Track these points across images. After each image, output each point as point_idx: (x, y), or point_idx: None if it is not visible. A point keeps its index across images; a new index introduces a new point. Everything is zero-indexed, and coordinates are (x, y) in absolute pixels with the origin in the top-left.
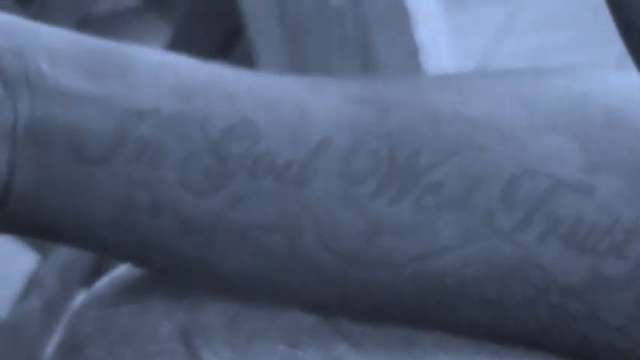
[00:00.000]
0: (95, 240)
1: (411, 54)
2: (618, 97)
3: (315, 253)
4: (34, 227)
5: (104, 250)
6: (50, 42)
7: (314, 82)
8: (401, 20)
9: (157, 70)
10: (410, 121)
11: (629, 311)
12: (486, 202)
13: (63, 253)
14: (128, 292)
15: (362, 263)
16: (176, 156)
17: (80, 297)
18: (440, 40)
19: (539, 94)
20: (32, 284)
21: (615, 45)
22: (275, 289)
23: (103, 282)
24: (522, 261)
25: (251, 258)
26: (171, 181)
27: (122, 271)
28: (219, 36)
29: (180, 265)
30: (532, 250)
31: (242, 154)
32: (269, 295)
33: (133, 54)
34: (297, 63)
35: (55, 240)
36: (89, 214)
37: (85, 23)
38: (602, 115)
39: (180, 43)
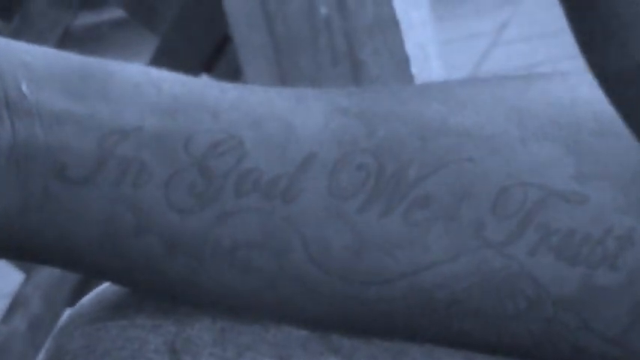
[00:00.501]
0: (80, 261)
1: (400, 64)
2: (607, 104)
3: (303, 269)
4: (18, 250)
5: (89, 271)
6: (29, 61)
7: (299, 95)
8: (390, 30)
9: (139, 87)
10: (397, 134)
11: (623, 321)
12: (476, 215)
13: (47, 272)
14: (114, 308)
15: (351, 279)
16: (160, 175)
17: (65, 315)
18: (430, 51)
19: (528, 102)
20: (16, 304)
21: None
22: (264, 306)
23: (89, 298)
24: (514, 274)
25: (239, 276)
26: (156, 200)
27: (108, 286)
28: (205, 48)
29: (167, 285)
30: (524, 263)
31: (227, 171)
32: (258, 312)
33: (115, 71)
34: (285, 75)
35: (40, 262)
36: (73, 236)
37: (68, 36)
38: (592, 122)
39: (166, 55)
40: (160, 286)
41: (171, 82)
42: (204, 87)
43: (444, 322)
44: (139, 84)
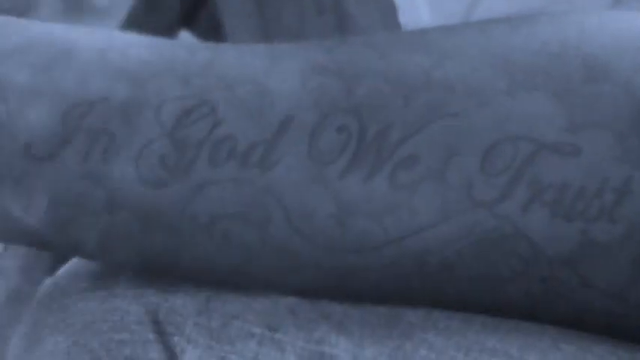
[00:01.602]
0: (51, 241)
1: (387, 14)
2: (598, 46)
3: (286, 240)
4: None
5: (62, 249)
6: None
7: (274, 53)
8: None
9: (105, 54)
10: (379, 91)
11: (625, 275)
12: (465, 174)
13: None
14: (93, 278)
15: (336, 248)
16: (130, 147)
17: (42, 287)
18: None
19: (514, 50)
20: None
21: None
22: (247, 279)
23: (66, 268)
24: (507, 234)
25: (219, 250)
26: (127, 174)
27: None
28: (184, 2)
29: (144, 261)
30: (517, 222)
31: (201, 140)
32: (241, 284)
33: (78, 38)
34: (268, 28)
35: (12, 243)
36: (42, 214)
37: None
38: (583, 68)
39: (143, 10)
40: (136, 263)
41: (138, 46)
42: (172, 49)
43: (436, 287)
44: (104, 50)
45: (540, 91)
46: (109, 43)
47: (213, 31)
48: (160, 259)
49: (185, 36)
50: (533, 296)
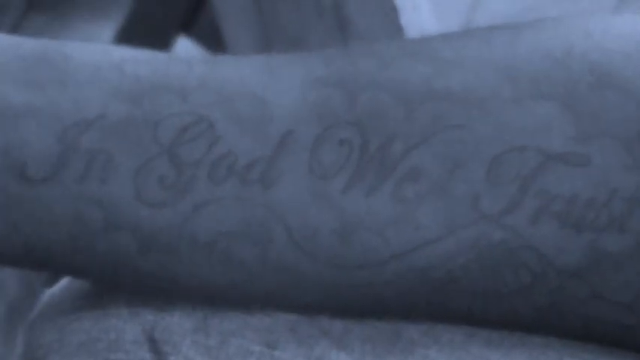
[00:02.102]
0: (47, 263)
1: (388, 16)
2: (604, 52)
3: (288, 258)
4: None
5: (60, 270)
6: None
7: (272, 64)
8: None
9: (100, 70)
10: (381, 102)
11: (635, 286)
12: (470, 186)
13: None
14: (87, 296)
15: (340, 264)
16: (128, 167)
17: (37, 304)
18: (419, 0)
19: (518, 57)
20: None
21: None
22: (247, 297)
23: (61, 286)
24: (514, 246)
25: (219, 269)
26: (125, 194)
27: None
28: (181, 7)
29: (142, 281)
30: (524, 234)
31: (199, 158)
32: (241, 303)
33: (73, 54)
34: (268, 32)
35: (8, 265)
36: (39, 237)
37: (34, 2)
38: (589, 74)
39: (139, 17)
40: (134, 283)
41: (134, 61)
42: (169, 64)
43: (441, 301)
44: (100, 67)
45: (546, 100)
46: (104, 58)
47: (211, 36)
48: (158, 279)
49: (183, 41)
50: (541, 308)
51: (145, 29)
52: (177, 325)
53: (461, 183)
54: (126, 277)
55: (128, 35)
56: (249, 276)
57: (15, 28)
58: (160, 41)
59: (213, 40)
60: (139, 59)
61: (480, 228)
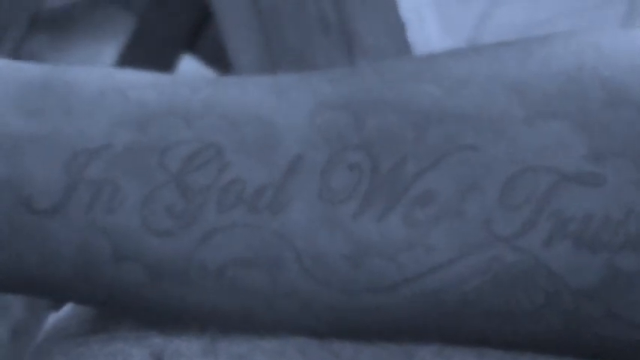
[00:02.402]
0: (55, 292)
1: (395, 31)
2: (616, 68)
3: (298, 284)
4: None
5: (66, 299)
6: None
7: (279, 86)
8: None
9: (105, 97)
10: (390, 125)
11: None
12: (483, 208)
13: None
14: (94, 319)
15: (351, 289)
16: (135, 196)
17: (44, 328)
18: (426, 15)
19: (530, 75)
20: None
21: (618, 6)
22: (257, 323)
23: (68, 309)
24: (528, 268)
25: (229, 296)
26: (133, 224)
27: None
28: (185, 25)
29: (151, 309)
30: (538, 255)
31: (208, 185)
32: (251, 328)
33: (76, 80)
34: (273, 49)
35: (13, 293)
36: (45, 267)
37: (37, 22)
38: (601, 91)
39: (143, 35)
40: (143, 310)
41: (138, 86)
42: (173, 87)
43: (453, 324)
44: (104, 92)
45: (559, 119)
46: (108, 84)
47: (216, 55)
48: (167, 306)
49: (188, 60)
50: (556, 329)
51: (149, 49)
52: (186, 348)
53: (474, 205)
54: (134, 305)
55: (132, 55)
56: (260, 302)
57: (17, 48)
58: (164, 60)
59: (218, 59)
60: (142, 83)
61: (493, 251)
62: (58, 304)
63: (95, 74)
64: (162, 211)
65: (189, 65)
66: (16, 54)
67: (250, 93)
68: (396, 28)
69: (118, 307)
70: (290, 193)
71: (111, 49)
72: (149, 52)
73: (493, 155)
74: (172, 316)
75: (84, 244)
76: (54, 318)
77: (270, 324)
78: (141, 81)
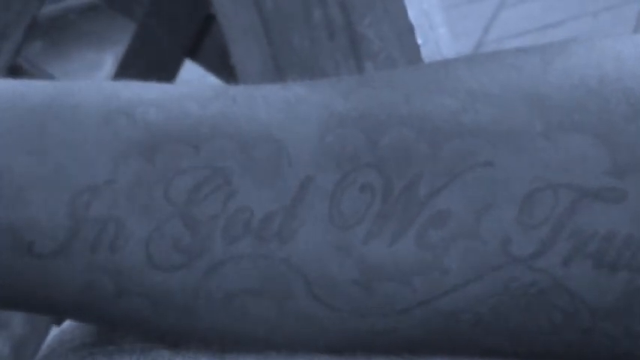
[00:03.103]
0: (58, 315)
1: (404, 35)
2: (638, 78)
3: (308, 311)
4: None
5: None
6: None
7: (289, 100)
8: None
9: (109, 123)
10: (403, 141)
11: None
12: (500, 228)
13: None
14: (99, 331)
15: (362, 314)
16: (140, 232)
17: (48, 340)
18: (435, 18)
19: (549, 86)
20: None
21: (631, 6)
22: (267, 347)
23: (70, 322)
24: (546, 287)
25: (237, 323)
26: (138, 261)
27: None
28: (187, 31)
29: (157, 336)
30: (557, 276)
31: (214, 216)
32: (258, 351)
33: (80, 105)
34: (277, 54)
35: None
36: (48, 305)
37: (34, 28)
38: (625, 104)
39: (144, 42)
40: (147, 336)
41: (145, 103)
42: (181, 104)
43: (468, 342)
44: (109, 117)
45: (580, 132)
46: (113, 106)
47: (219, 61)
48: (174, 333)
49: (190, 67)
50: (574, 348)
51: (150, 56)
52: (193, 359)
53: (490, 225)
54: (140, 333)
55: (132, 62)
56: (269, 328)
57: (15, 54)
58: (166, 68)
59: (221, 66)
60: (149, 100)
61: (510, 271)
62: (60, 320)
63: (100, 95)
64: (167, 246)
65: (191, 72)
66: (14, 62)
67: (259, 109)
68: (405, 32)
69: (122, 334)
70: (299, 219)
71: (110, 56)
72: (150, 59)
73: (510, 172)
74: (176, 338)
75: (87, 283)
76: (57, 330)
77: (280, 346)
78: (147, 97)
